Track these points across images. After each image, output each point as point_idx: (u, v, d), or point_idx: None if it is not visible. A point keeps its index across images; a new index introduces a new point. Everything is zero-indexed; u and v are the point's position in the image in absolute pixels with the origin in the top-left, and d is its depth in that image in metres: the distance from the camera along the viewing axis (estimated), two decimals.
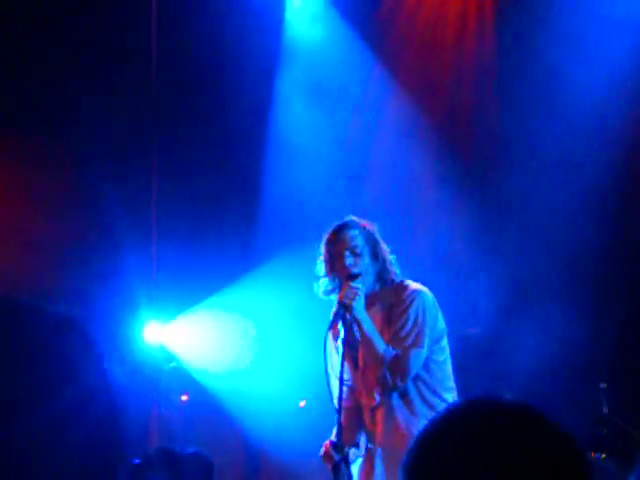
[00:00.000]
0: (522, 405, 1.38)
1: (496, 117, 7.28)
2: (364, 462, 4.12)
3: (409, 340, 3.99)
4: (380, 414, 4.06)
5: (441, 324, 4.12)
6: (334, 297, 4.10)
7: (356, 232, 4.08)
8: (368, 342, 4.02)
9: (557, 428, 1.36)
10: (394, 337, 4.02)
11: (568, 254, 6.90)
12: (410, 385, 4.03)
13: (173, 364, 7.09)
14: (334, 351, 4.15)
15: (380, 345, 4.00)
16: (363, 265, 4.04)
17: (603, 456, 6.14)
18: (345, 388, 4.05)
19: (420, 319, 4.02)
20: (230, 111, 7.35)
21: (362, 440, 4.14)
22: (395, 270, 4.12)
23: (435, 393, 4.06)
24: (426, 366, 4.05)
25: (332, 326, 4.10)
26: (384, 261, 4.09)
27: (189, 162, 7.34)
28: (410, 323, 4.01)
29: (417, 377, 4.03)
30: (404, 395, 4.04)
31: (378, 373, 4.01)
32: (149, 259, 7.13)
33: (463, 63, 7.38)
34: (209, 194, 7.37)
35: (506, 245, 7.00)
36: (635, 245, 6.94)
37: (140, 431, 6.76)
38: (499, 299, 6.82)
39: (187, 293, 7.03)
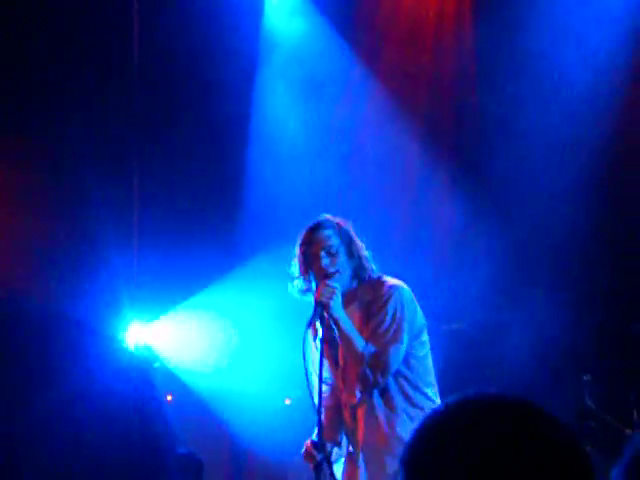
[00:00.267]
0: (522, 399, 1.38)
1: (478, 104, 7.29)
2: (347, 461, 4.11)
3: (388, 336, 3.98)
4: (361, 412, 4.05)
5: (420, 319, 4.11)
6: (309, 297, 4.08)
7: (331, 231, 4.06)
8: (347, 340, 4.00)
9: (557, 422, 1.36)
10: (373, 334, 4.01)
11: (553, 241, 6.92)
12: (391, 381, 4.02)
13: (157, 364, 7.07)
14: (314, 350, 4.13)
15: (359, 342, 3.99)
16: (339, 264, 4.02)
17: (587, 448, 6.17)
18: (325, 387, 4.04)
19: (398, 314, 4.00)
20: (211, 108, 7.33)
21: (344, 439, 4.13)
22: (371, 266, 4.11)
23: (416, 389, 4.06)
24: (406, 362, 4.04)
25: (310, 325, 4.08)
26: (360, 258, 4.07)
27: (171, 162, 7.32)
28: (388, 319, 4.00)
29: (398, 373, 4.02)
30: (385, 392, 4.03)
31: (358, 370, 4.00)
32: (131, 259, 7.10)
33: (443, 52, 7.39)
34: (191, 193, 7.35)
35: (490, 233, 6.99)
36: (621, 231, 6.95)
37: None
38: (484, 290, 6.82)
39: (170, 293, 7.01)
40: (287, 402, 7.11)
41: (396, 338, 3.98)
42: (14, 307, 1.25)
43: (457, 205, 7.20)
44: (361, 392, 4.05)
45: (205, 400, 7.17)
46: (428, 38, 7.43)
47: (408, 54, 7.46)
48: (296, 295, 4.15)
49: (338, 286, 3.99)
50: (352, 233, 4.11)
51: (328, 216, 4.16)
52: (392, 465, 3.91)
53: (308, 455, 4.00)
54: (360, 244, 4.11)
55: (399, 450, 3.58)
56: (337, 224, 4.10)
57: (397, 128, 7.33)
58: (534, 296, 6.74)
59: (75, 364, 1.23)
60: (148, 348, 6.95)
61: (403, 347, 4.00)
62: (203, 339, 7.12)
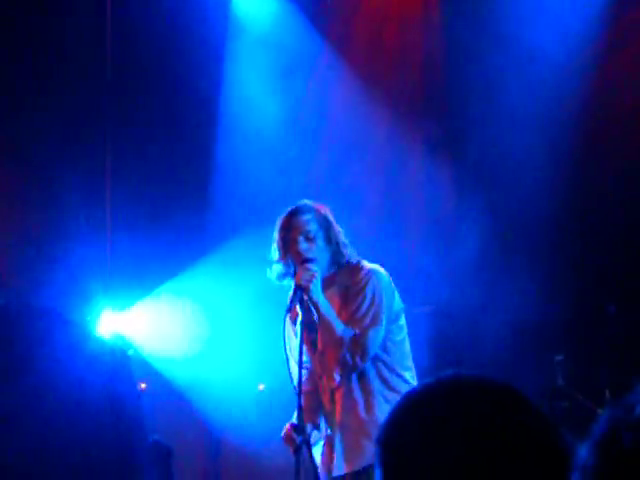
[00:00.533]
0: (500, 381, 1.37)
1: (448, 85, 7.30)
2: (325, 444, 4.14)
3: (366, 320, 4.02)
4: (339, 395, 4.08)
5: (398, 303, 4.15)
6: (288, 282, 4.12)
7: (309, 216, 4.10)
8: (326, 324, 4.03)
9: (534, 406, 1.36)
10: (351, 318, 4.04)
11: (528, 223, 6.95)
12: (369, 365, 4.05)
13: (130, 352, 7.03)
14: (292, 334, 4.16)
15: (338, 326, 4.02)
16: (317, 249, 4.06)
17: (566, 428, 6.21)
18: (304, 371, 4.06)
19: (377, 299, 4.04)
20: (181, 93, 7.29)
21: (322, 422, 4.15)
22: (350, 252, 4.14)
23: (394, 372, 4.09)
24: (384, 346, 4.08)
25: (290, 309, 4.10)
26: (338, 244, 4.11)
27: (142, 148, 7.27)
28: (367, 303, 4.03)
29: (376, 357, 4.06)
30: (363, 375, 4.06)
31: (337, 354, 4.03)
32: (103, 247, 7.05)
33: (412, 33, 7.38)
34: (162, 179, 7.31)
35: (466, 215, 7.01)
36: (594, 211, 6.99)
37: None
38: (459, 271, 6.83)
39: (143, 280, 6.97)
40: (260, 388, 7.10)
41: (374, 322, 4.02)
42: None
43: (431, 186, 7.20)
44: (340, 376, 4.08)
45: (179, 388, 7.15)
46: (395, 19, 7.41)
47: (376, 36, 7.44)
48: (275, 280, 4.17)
49: (318, 270, 4.02)
50: (331, 219, 4.15)
51: (307, 201, 4.19)
52: (369, 447, 3.93)
53: (288, 438, 4.02)
54: (339, 230, 4.15)
55: (376, 433, 3.56)
56: (316, 209, 4.14)
57: (368, 111, 7.32)
58: (508, 277, 6.76)
59: (44, 355, 1.21)
60: (120, 336, 6.91)
61: (381, 331, 4.04)
62: (176, 326, 7.09)
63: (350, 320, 4.04)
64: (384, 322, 4.04)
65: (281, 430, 4.07)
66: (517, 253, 6.92)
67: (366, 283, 4.05)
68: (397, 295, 4.15)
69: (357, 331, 4.01)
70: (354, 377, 4.06)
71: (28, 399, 1.17)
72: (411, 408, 1.38)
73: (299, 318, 4.08)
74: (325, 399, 4.12)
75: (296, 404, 3.99)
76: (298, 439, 3.98)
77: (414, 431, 1.36)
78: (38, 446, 1.15)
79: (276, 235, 4.14)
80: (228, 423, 7.04)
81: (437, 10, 7.38)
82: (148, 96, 7.28)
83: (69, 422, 1.17)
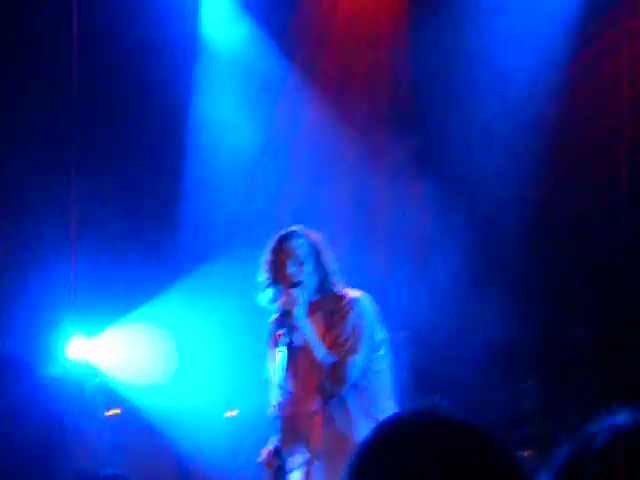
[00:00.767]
0: (470, 426, 1.39)
1: (418, 107, 7.36)
2: (304, 471, 4.13)
3: (347, 347, 4.06)
4: (319, 420, 4.10)
5: (381, 333, 4.19)
6: (274, 305, 4.16)
7: (300, 241, 4.17)
8: (308, 349, 4.08)
9: (506, 453, 1.38)
10: (333, 344, 4.09)
11: (498, 245, 7.00)
12: (349, 392, 4.08)
13: (97, 380, 6.97)
14: (273, 358, 4.18)
15: (320, 351, 4.07)
16: (305, 274, 4.12)
17: (528, 453, 6.24)
18: (284, 395, 4.09)
19: (357, 327, 4.09)
20: (148, 114, 7.24)
21: (301, 448, 4.14)
22: (338, 280, 4.20)
23: (373, 402, 4.12)
24: (365, 375, 4.11)
25: (272, 333, 4.16)
26: (327, 271, 4.17)
27: (109, 171, 7.19)
28: (348, 330, 4.09)
29: (356, 385, 4.09)
30: (343, 403, 4.09)
31: (318, 379, 4.06)
32: (68, 270, 6.98)
33: (381, 59, 7.43)
34: (130, 202, 7.25)
35: (441, 237, 7.04)
36: (562, 233, 7.05)
37: (60, 451, 6.62)
38: (426, 296, 6.84)
39: (111, 306, 6.91)
40: (229, 415, 7.05)
41: (355, 349, 4.07)
42: None
43: (402, 207, 7.23)
44: (319, 402, 4.10)
45: (147, 416, 7.09)
46: (365, 41, 7.47)
47: (346, 58, 7.48)
48: (263, 304, 4.21)
49: (302, 295, 4.08)
50: (322, 246, 4.22)
51: (299, 227, 4.26)
52: None
53: (268, 461, 4.05)
54: (329, 257, 4.21)
55: None
56: (307, 235, 4.21)
57: (338, 132, 7.35)
58: (480, 301, 6.79)
59: None
60: (86, 364, 6.85)
61: (361, 359, 4.08)
62: (145, 353, 7.05)
63: (331, 346, 4.08)
64: (364, 351, 4.07)
65: (252, 457, 4.06)
66: (492, 277, 6.95)
67: (349, 311, 4.10)
68: (381, 325, 4.20)
69: (337, 358, 4.05)
70: (334, 403, 4.08)
71: None
72: (380, 442, 1.41)
73: (282, 342, 4.10)
74: (305, 424, 4.13)
75: (274, 428, 4.03)
76: (278, 463, 4.01)
77: (381, 466, 1.38)
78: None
79: (265, 258, 4.19)
80: (197, 452, 6.98)
81: (406, 31, 7.45)
82: (115, 117, 7.24)
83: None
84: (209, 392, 6.94)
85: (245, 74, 7.43)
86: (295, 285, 4.09)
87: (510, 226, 6.93)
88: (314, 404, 4.10)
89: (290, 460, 4.09)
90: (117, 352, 6.98)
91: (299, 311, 4.06)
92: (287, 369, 4.09)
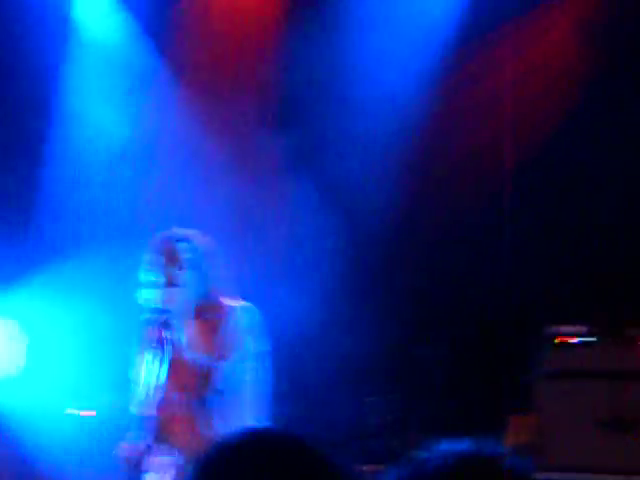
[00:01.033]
0: (303, 445, 1.42)
1: (286, 110, 7.39)
2: (161, 470, 4.11)
3: (219, 353, 4.09)
4: (183, 423, 4.11)
5: (258, 345, 4.19)
6: (153, 304, 4.14)
7: (183, 245, 4.16)
8: (180, 349, 4.11)
9: (338, 471, 1.39)
10: (206, 349, 4.11)
11: (359, 250, 7.07)
12: (214, 398, 4.09)
13: None
14: (142, 357, 4.19)
15: (191, 354, 4.10)
16: (186, 277, 4.12)
17: (376, 468, 6.33)
18: (154, 394, 4.09)
19: (232, 336, 4.12)
20: (13, 95, 7.03)
21: (164, 450, 4.12)
22: (220, 287, 4.21)
23: (236, 412, 4.11)
24: (232, 383, 4.11)
25: (145, 332, 4.16)
26: (209, 277, 4.18)
27: None
28: (222, 337, 4.11)
29: (221, 393, 4.10)
30: (206, 408, 4.10)
31: (187, 381, 4.09)
32: None
33: (253, 59, 7.44)
34: None
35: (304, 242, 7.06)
36: (426, 247, 7.19)
37: None
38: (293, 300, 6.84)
39: None
40: (69, 412, 6.85)
41: (226, 357, 4.09)
42: None
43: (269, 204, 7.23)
44: (184, 404, 4.11)
45: None
46: (238, 39, 7.46)
47: (217, 55, 7.45)
48: (142, 302, 4.19)
49: (181, 296, 4.10)
50: (207, 250, 4.21)
51: (183, 229, 4.25)
52: None
53: (126, 455, 4.03)
54: (213, 262, 4.21)
55: None
56: (192, 238, 4.20)
57: (209, 130, 7.30)
58: (341, 309, 6.84)
59: None
60: None
61: (231, 366, 4.10)
62: None
63: (204, 351, 4.12)
64: (236, 360, 4.10)
65: (117, 448, 4.06)
66: (344, 291, 7.00)
67: (226, 319, 4.13)
68: (260, 337, 4.20)
69: (207, 362, 4.09)
70: (198, 407, 4.10)
71: None
72: (214, 458, 1.43)
73: (156, 340, 4.11)
74: (171, 424, 4.13)
75: (136, 427, 4.04)
76: (136, 458, 4.01)
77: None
78: None
79: (147, 258, 4.18)
80: (38, 449, 6.74)
81: (281, 32, 7.48)
82: None
83: None
84: (55, 389, 6.77)
85: (115, 66, 7.29)
86: (175, 287, 4.11)
87: (374, 234, 7.03)
88: (178, 405, 4.12)
89: (149, 459, 4.09)
90: None
91: (177, 311, 4.10)
92: (159, 368, 4.11)
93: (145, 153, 7.30)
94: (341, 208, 7.08)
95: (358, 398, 6.74)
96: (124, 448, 4.05)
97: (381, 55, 7.09)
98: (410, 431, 6.52)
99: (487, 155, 7.12)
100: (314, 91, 7.22)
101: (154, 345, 4.13)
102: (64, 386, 6.76)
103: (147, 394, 4.07)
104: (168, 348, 4.12)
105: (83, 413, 6.74)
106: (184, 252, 4.14)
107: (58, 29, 7.20)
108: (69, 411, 6.77)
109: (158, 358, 4.09)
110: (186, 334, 4.12)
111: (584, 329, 6.03)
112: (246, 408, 4.15)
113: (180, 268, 4.12)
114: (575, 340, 6.02)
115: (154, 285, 4.14)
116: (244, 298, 4.24)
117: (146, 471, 4.09)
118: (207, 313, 4.18)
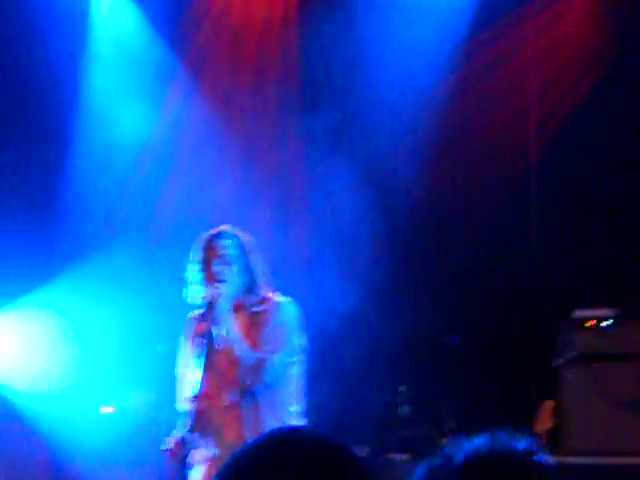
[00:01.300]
0: (325, 439, 1.42)
1: (300, 116, 7.39)
2: (208, 465, 4.17)
3: (268, 346, 4.17)
4: (230, 416, 4.16)
5: (300, 340, 4.30)
6: (200, 301, 4.25)
7: (228, 242, 4.27)
8: (227, 344, 4.17)
9: (357, 464, 1.39)
10: (255, 342, 4.19)
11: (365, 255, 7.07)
12: (262, 392, 4.17)
13: None
14: (188, 353, 4.28)
15: (239, 348, 4.16)
16: (231, 274, 4.22)
17: (407, 457, 6.34)
18: (196, 388, 4.15)
19: (278, 330, 4.21)
20: (34, 104, 7.06)
21: (209, 444, 4.18)
22: (265, 282, 4.32)
23: (283, 405, 4.22)
24: (280, 377, 4.21)
25: (191, 327, 4.27)
26: (253, 272, 4.29)
27: None
28: (271, 331, 4.20)
29: (270, 386, 4.18)
30: (254, 401, 4.17)
31: (234, 375, 4.15)
32: None
33: (268, 65, 7.44)
34: (11, 189, 7.05)
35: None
36: (440, 238, 7.18)
37: None
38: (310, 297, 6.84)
39: None
40: (104, 410, 6.88)
41: (274, 350, 4.18)
42: None
43: (272, 218, 7.22)
44: (232, 397, 4.17)
45: (20, 408, 6.85)
46: (255, 29, 7.47)
47: (236, 47, 7.47)
48: (189, 300, 4.30)
49: (226, 290, 4.19)
50: (251, 247, 4.34)
51: (229, 227, 4.36)
52: None
53: (173, 450, 4.09)
54: (258, 259, 4.33)
55: None
56: (236, 236, 4.33)
57: (219, 138, 7.33)
58: (361, 305, 6.84)
59: None
60: None
61: (279, 361, 4.19)
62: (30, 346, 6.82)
63: (253, 345, 4.19)
64: (282, 354, 4.19)
65: (166, 442, 4.11)
66: (364, 285, 6.97)
67: (273, 313, 4.23)
68: (302, 332, 4.30)
69: (256, 356, 4.15)
70: (246, 400, 4.16)
71: None
72: (245, 457, 1.43)
73: (202, 335, 4.19)
74: (218, 419, 4.19)
75: (182, 423, 4.12)
76: (182, 453, 4.09)
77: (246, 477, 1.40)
78: None
79: (194, 255, 4.28)
80: (72, 449, 6.77)
81: (297, 20, 7.49)
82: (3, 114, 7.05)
83: None
84: (88, 388, 6.80)
85: (135, 64, 7.32)
86: (220, 282, 4.20)
87: (405, 218, 7.02)
88: (228, 399, 4.17)
89: (195, 453, 4.15)
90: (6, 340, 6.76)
91: (223, 305, 4.17)
92: (205, 363, 4.17)
93: (166, 151, 7.33)
94: (373, 190, 7.08)
95: (391, 386, 6.74)
96: (170, 442, 4.11)
97: (405, 38, 7.08)
98: (441, 420, 6.52)
99: (512, 135, 7.11)
100: (339, 76, 7.23)
101: (200, 340, 4.21)
102: (99, 383, 6.79)
103: (193, 389, 4.14)
104: (214, 343, 4.19)
105: (103, 409, 6.76)
106: (228, 248, 4.25)
107: (79, 26, 7.23)
108: (104, 409, 6.80)
109: (204, 353, 4.17)
110: (232, 329, 4.18)
111: (610, 312, 6.00)
112: (292, 401, 4.26)
113: (225, 264, 4.21)
114: (603, 324, 5.99)
115: (200, 281, 4.23)
116: (281, 285, 4.34)
117: (192, 465, 4.16)
118: (252, 308, 4.27)
